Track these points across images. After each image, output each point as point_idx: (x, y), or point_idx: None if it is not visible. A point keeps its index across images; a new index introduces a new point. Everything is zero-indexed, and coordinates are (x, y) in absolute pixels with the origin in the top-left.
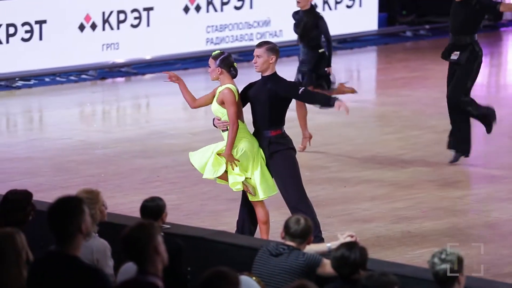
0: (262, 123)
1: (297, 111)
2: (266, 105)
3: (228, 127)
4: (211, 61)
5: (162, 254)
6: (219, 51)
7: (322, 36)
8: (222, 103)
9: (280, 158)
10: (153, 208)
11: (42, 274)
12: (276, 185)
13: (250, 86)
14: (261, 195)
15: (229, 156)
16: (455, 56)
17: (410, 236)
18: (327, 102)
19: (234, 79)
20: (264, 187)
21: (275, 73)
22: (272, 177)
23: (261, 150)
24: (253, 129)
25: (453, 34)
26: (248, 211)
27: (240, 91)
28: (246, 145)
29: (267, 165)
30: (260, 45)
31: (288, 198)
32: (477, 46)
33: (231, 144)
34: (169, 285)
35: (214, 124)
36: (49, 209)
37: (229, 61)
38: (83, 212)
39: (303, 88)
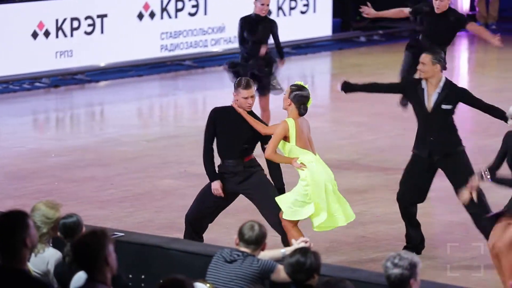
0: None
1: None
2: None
3: (303, 169)
4: (288, 90)
5: (112, 263)
6: (302, 84)
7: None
8: (285, 138)
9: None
10: (68, 226)
11: None
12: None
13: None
14: (341, 222)
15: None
16: None
17: (365, 241)
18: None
19: (301, 116)
20: (345, 214)
21: None
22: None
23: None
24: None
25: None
26: (192, 230)
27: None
28: (310, 175)
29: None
30: (250, 85)
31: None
32: None
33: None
34: None
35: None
36: None
37: (302, 100)
38: (27, 227)
39: None
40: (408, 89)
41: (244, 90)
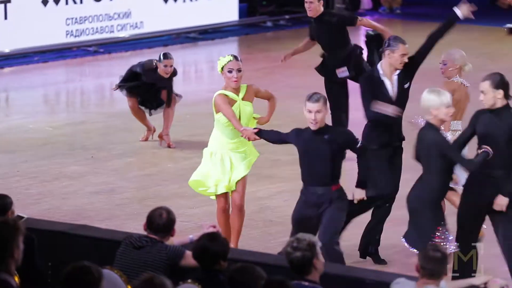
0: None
1: (136, 113)
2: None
3: None
4: None
5: (17, 256)
6: None
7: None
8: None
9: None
10: None
11: None
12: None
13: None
14: None
15: None
16: (343, 73)
17: (272, 225)
18: None
19: None
20: None
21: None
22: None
23: None
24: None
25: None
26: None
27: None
28: None
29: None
30: (317, 99)
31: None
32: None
33: None
34: (25, 280)
35: None
36: None
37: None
38: (19, 238)
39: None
40: (374, 84)
41: (308, 103)
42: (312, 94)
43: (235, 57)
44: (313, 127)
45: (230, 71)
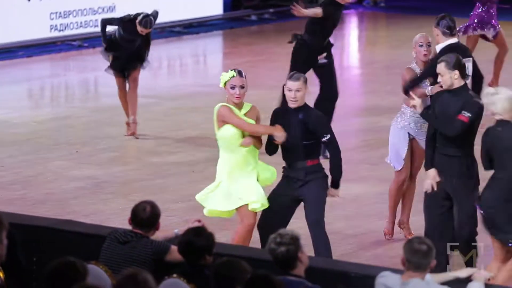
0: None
1: (122, 94)
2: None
3: None
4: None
5: (2, 249)
6: None
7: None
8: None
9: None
10: None
11: None
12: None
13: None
14: None
15: None
16: (323, 60)
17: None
18: None
19: None
20: None
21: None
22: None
23: None
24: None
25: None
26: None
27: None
28: None
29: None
30: (298, 78)
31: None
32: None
33: None
34: (10, 275)
35: None
36: None
37: None
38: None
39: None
40: None
41: (289, 81)
42: (293, 73)
43: (239, 73)
44: (292, 105)
45: (232, 87)
